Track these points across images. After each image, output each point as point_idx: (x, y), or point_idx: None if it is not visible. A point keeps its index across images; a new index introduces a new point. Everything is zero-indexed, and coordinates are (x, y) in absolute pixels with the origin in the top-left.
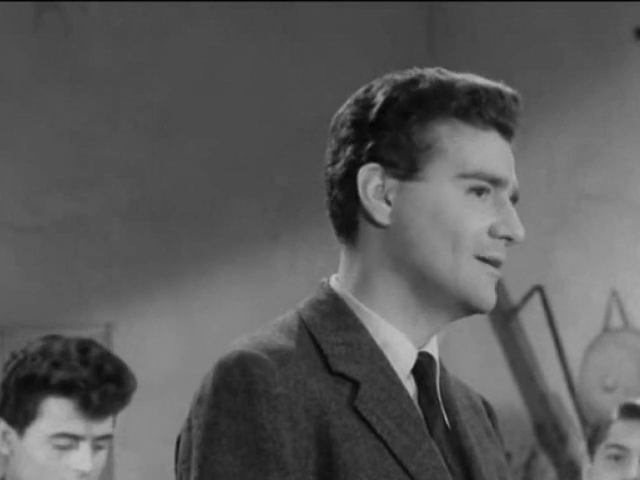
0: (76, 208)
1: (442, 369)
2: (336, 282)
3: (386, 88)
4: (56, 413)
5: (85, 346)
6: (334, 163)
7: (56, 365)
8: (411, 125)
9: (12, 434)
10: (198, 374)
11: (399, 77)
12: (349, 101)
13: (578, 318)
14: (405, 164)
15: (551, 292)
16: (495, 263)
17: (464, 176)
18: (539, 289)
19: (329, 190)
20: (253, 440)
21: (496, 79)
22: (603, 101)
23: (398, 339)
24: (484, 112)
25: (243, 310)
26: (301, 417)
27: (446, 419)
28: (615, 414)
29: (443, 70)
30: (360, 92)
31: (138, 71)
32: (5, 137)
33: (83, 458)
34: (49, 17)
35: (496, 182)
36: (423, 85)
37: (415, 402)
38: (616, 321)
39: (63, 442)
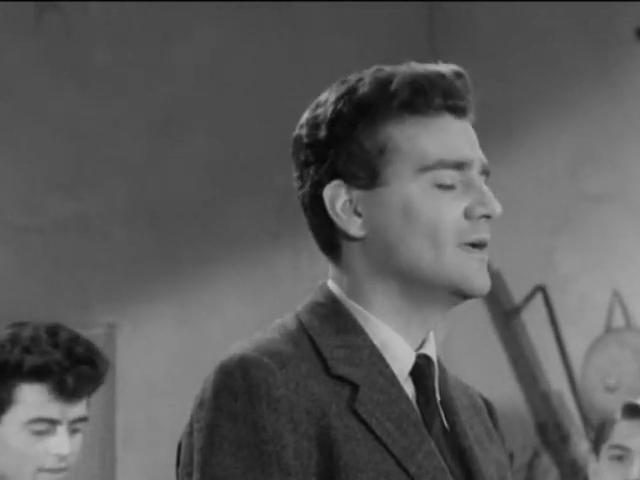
0: (76, 208)
1: (441, 369)
2: (334, 284)
3: (330, 102)
4: (31, 399)
5: (54, 330)
6: (301, 187)
7: (27, 350)
8: (360, 133)
9: None
10: (200, 375)
11: (342, 87)
12: (301, 121)
13: (580, 318)
14: (365, 173)
15: (553, 292)
16: (480, 245)
17: (426, 168)
18: (541, 289)
19: (304, 213)
20: (254, 442)
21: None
22: (604, 101)
23: (396, 341)
24: (430, 99)
25: (245, 311)
26: (302, 419)
27: (444, 420)
28: (618, 414)
29: (383, 67)
30: (309, 111)
31: (138, 71)
32: (5, 137)
33: (61, 442)
34: (49, 17)
35: (460, 165)
36: (362, 90)
37: (414, 403)
38: (618, 321)
39: (40, 427)
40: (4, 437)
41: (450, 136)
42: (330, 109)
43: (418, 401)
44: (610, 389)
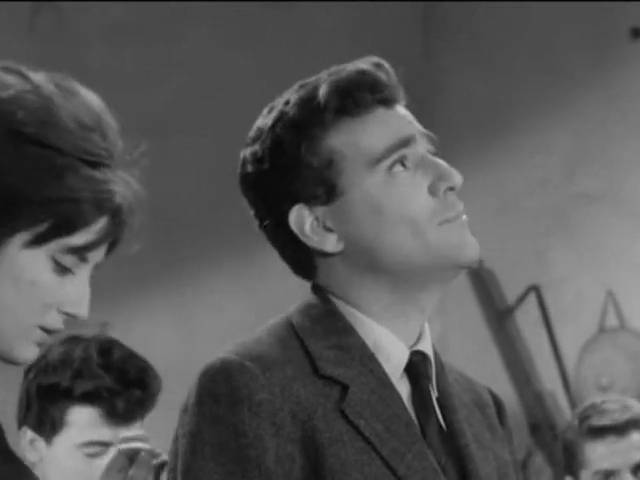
0: None
1: (440, 366)
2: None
3: (265, 133)
4: (83, 422)
5: (107, 349)
6: (262, 223)
7: (78, 374)
8: (305, 155)
9: (40, 442)
10: (188, 378)
11: (271, 114)
12: (241, 160)
13: (574, 318)
14: (322, 190)
15: (547, 292)
16: (458, 216)
17: (376, 161)
18: (535, 289)
19: (273, 246)
20: (235, 447)
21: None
22: (601, 101)
23: (389, 340)
24: (358, 100)
25: (240, 310)
26: (285, 422)
27: (441, 418)
28: (582, 436)
29: (304, 82)
30: (246, 148)
31: (134, 71)
32: None
33: None
34: (45, 16)
35: (406, 142)
36: (292, 112)
37: (409, 403)
38: (612, 321)
39: (92, 450)
40: (58, 458)
41: (387, 125)
42: (268, 140)
43: (413, 400)
44: (603, 389)
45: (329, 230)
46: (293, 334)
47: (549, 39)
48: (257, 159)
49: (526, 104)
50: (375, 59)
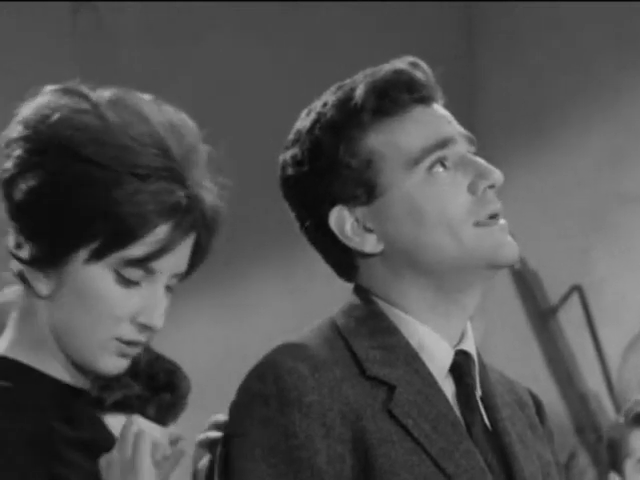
0: None
1: (482, 366)
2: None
3: (304, 135)
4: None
5: None
6: (303, 225)
7: (107, 385)
8: (344, 156)
9: None
10: (238, 377)
11: (310, 116)
12: (281, 164)
13: (617, 317)
14: (362, 190)
15: (590, 292)
16: (495, 216)
17: (415, 162)
18: (578, 289)
19: (315, 248)
20: (286, 448)
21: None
22: (637, 100)
23: (433, 339)
24: (395, 100)
25: (286, 311)
26: (335, 423)
27: (485, 417)
28: (628, 427)
29: (342, 84)
30: (285, 152)
31: (172, 71)
32: None
33: None
34: (84, 17)
35: (444, 143)
36: (330, 114)
37: (454, 402)
38: None
39: None
40: None
41: (425, 124)
42: (307, 142)
43: (458, 399)
44: None
45: (369, 231)
46: (338, 335)
47: (586, 40)
48: (297, 162)
49: (566, 103)
50: (411, 58)
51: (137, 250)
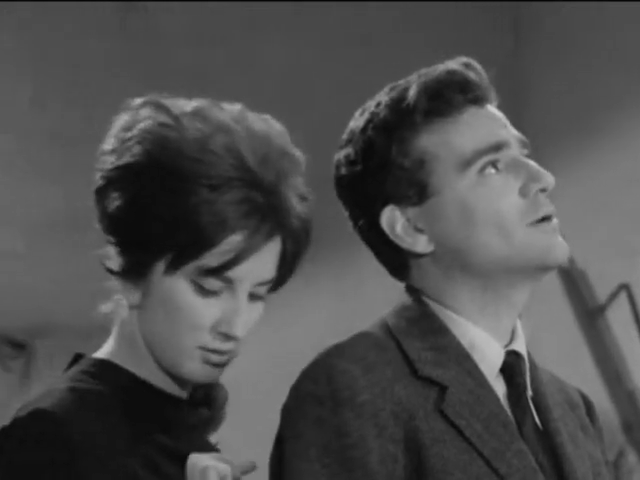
0: None
1: (533, 366)
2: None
3: (357, 135)
4: None
5: None
6: (356, 224)
7: None
8: (396, 156)
9: None
10: (288, 381)
11: (363, 116)
12: (335, 162)
13: None
14: (413, 191)
15: (638, 290)
16: (547, 218)
17: (467, 163)
18: (626, 287)
19: (368, 247)
20: (339, 448)
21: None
22: None
23: (484, 340)
24: (448, 100)
25: (336, 312)
26: (388, 423)
27: (536, 417)
28: None
29: (395, 84)
30: (340, 150)
31: (223, 71)
32: (91, 139)
33: None
34: (134, 17)
35: (497, 147)
36: (383, 114)
37: (505, 402)
38: None
39: None
40: None
41: (479, 125)
42: (360, 142)
43: (509, 399)
44: None
45: (420, 231)
46: (390, 336)
47: (631, 39)
48: (350, 161)
49: (617, 101)
50: (465, 59)
51: (212, 259)
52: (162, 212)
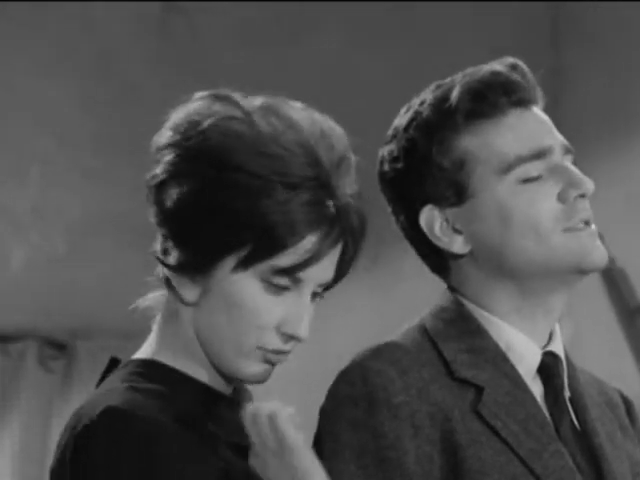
0: None
1: (571, 366)
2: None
3: (400, 132)
4: None
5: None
6: (398, 221)
7: None
8: (436, 156)
9: None
10: (320, 380)
11: (407, 114)
12: (379, 158)
13: None
14: (452, 191)
15: None
16: (583, 222)
17: (508, 168)
18: None
19: (410, 243)
20: (375, 449)
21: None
22: None
23: (521, 341)
24: (492, 102)
25: (371, 312)
26: (424, 424)
27: (574, 418)
28: None
29: (440, 83)
30: (384, 146)
31: (263, 71)
32: (131, 139)
33: None
34: (174, 17)
35: (540, 154)
36: (426, 113)
37: (542, 403)
38: None
39: None
40: None
41: (522, 129)
42: (402, 139)
43: (546, 400)
44: None
45: (457, 232)
46: (426, 337)
47: None
48: (393, 158)
49: None
50: (511, 60)
51: (285, 260)
52: (234, 210)
